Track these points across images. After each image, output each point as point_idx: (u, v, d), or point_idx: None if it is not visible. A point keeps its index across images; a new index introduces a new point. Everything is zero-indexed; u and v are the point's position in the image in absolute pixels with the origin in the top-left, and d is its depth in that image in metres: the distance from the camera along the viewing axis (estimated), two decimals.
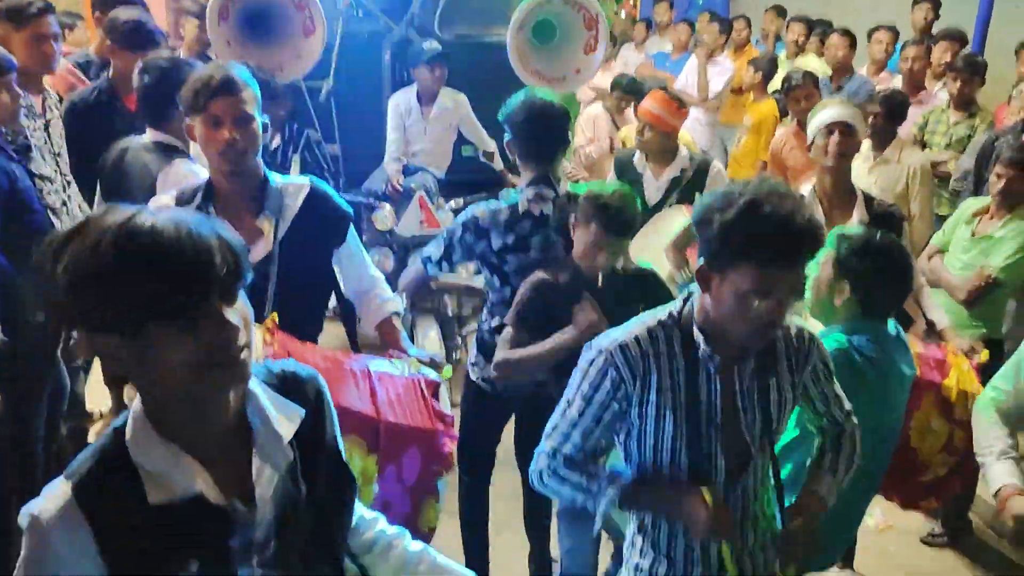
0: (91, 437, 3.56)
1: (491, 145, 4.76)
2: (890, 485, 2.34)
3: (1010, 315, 3.31)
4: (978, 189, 3.78)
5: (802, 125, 4.33)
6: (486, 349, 2.60)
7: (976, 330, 3.02)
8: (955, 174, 4.16)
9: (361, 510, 1.39)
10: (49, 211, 2.86)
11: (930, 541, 3.30)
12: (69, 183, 3.10)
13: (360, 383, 1.99)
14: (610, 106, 5.40)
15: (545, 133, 2.53)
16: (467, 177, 4.80)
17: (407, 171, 4.58)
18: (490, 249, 2.51)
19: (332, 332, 2.45)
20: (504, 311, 2.44)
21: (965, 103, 4.45)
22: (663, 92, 3.48)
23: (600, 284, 2.33)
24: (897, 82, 5.02)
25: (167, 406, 1.05)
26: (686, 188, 3.41)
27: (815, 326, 2.11)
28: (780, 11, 7.15)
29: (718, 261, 1.44)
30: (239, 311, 1.02)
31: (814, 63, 5.81)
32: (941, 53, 5.02)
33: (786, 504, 1.66)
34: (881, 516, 3.36)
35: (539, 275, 2.36)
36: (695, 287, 1.55)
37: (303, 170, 3.98)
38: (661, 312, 1.59)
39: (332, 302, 3.18)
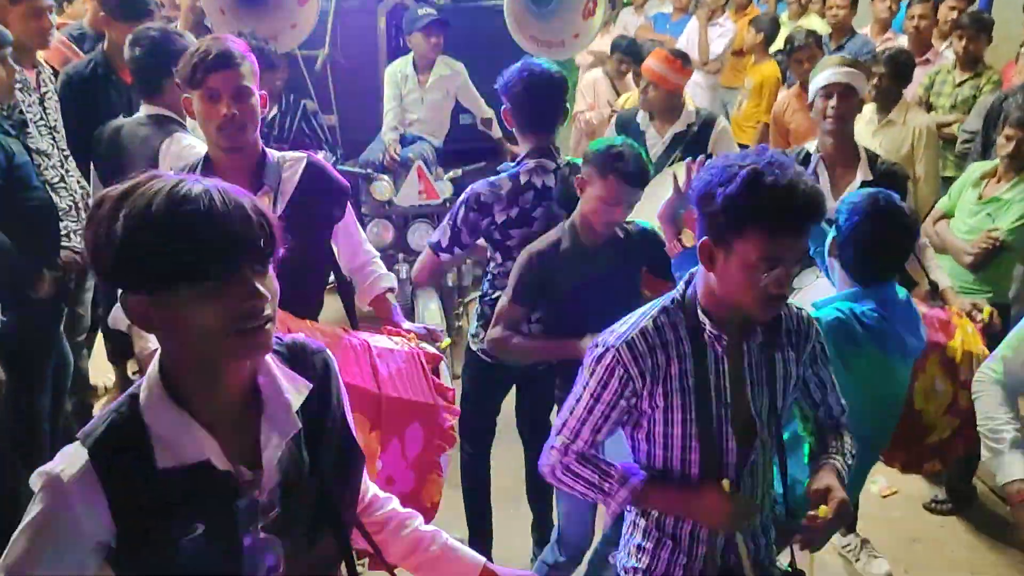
0: (96, 412, 3.57)
1: (489, 113, 4.71)
2: (893, 448, 2.35)
3: (1018, 279, 3.27)
4: (986, 151, 3.73)
5: (805, 87, 4.27)
6: (487, 320, 2.59)
7: (983, 294, 2.99)
8: (961, 136, 4.10)
9: (375, 488, 1.42)
10: (47, 186, 2.85)
11: (934, 507, 3.31)
12: (67, 158, 3.08)
13: (360, 359, 1.98)
14: (610, 70, 5.32)
15: (543, 102, 2.50)
16: (465, 146, 4.75)
17: (404, 141, 4.54)
18: (493, 224, 2.49)
19: (331, 306, 2.43)
20: (506, 283, 2.43)
21: (971, 62, 4.37)
22: (666, 50, 3.42)
23: (600, 250, 2.30)
24: (902, 42, 4.94)
25: (184, 371, 1.09)
26: (690, 143, 3.36)
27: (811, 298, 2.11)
28: None
29: (723, 235, 1.43)
30: (268, 284, 1.06)
31: (817, 23, 5.71)
32: (948, 11, 4.93)
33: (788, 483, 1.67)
34: (885, 482, 3.38)
35: (535, 247, 2.34)
36: (697, 268, 1.54)
37: (299, 141, 3.95)
38: (664, 299, 1.58)
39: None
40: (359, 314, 2.46)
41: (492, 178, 2.53)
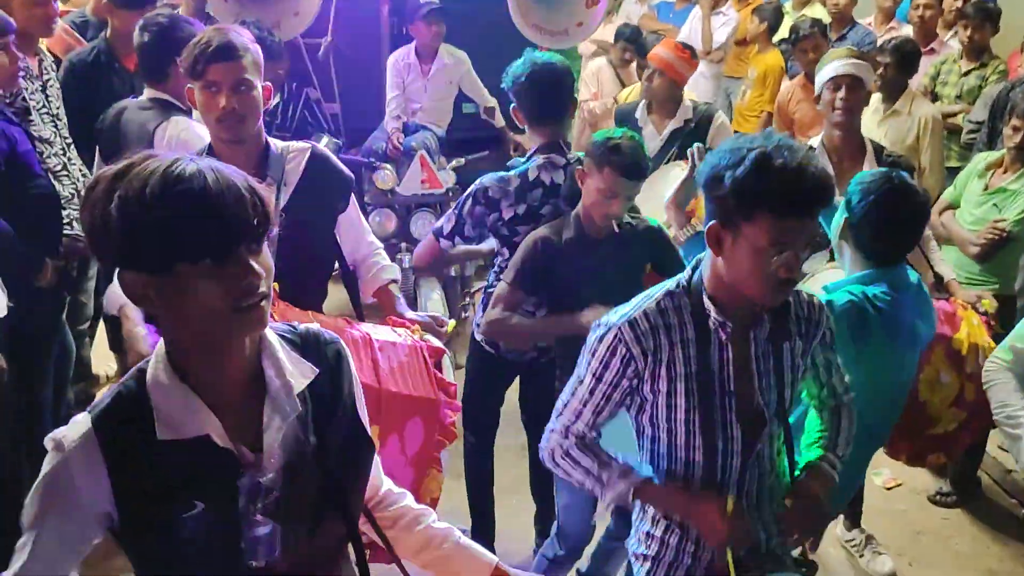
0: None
1: (492, 102, 4.69)
2: (898, 440, 2.35)
3: None
4: (992, 141, 3.72)
5: (810, 77, 4.26)
6: None
7: (989, 285, 2.98)
8: (966, 126, 4.08)
9: (389, 484, 1.42)
10: (50, 174, 2.83)
11: (938, 500, 3.30)
12: (69, 145, 3.07)
13: (361, 352, 1.97)
14: (614, 59, 5.29)
15: (551, 95, 2.48)
16: (468, 135, 4.75)
17: (407, 129, 4.52)
18: (500, 220, 2.48)
19: (336, 295, 2.42)
20: None
21: (977, 51, 4.35)
22: (676, 41, 3.41)
23: (604, 242, 2.29)
24: (906, 31, 4.91)
25: (187, 349, 1.10)
26: (687, 139, 3.36)
27: (821, 282, 2.09)
28: None
29: (731, 219, 1.42)
30: (263, 261, 1.07)
31: (821, 13, 5.67)
32: (952, 1, 4.90)
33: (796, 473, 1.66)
34: (889, 474, 3.38)
35: (540, 233, 2.33)
36: (704, 254, 1.53)
37: (302, 129, 3.93)
38: (669, 283, 1.57)
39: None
40: (364, 305, 2.45)
41: (502, 173, 2.52)
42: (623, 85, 5.13)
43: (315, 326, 1.29)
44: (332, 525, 1.22)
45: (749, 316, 1.53)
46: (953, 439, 2.39)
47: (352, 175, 2.30)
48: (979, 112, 3.94)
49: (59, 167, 2.94)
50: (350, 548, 1.28)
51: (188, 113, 2.73)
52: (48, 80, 3.07)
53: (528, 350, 2.58)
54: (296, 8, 4.11)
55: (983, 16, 4.30)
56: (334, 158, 2.27)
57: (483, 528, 2.86)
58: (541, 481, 2.87)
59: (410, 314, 2.28)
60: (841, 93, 2.75)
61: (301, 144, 2.20)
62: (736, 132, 5.67)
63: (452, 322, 2.33)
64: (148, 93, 2.74)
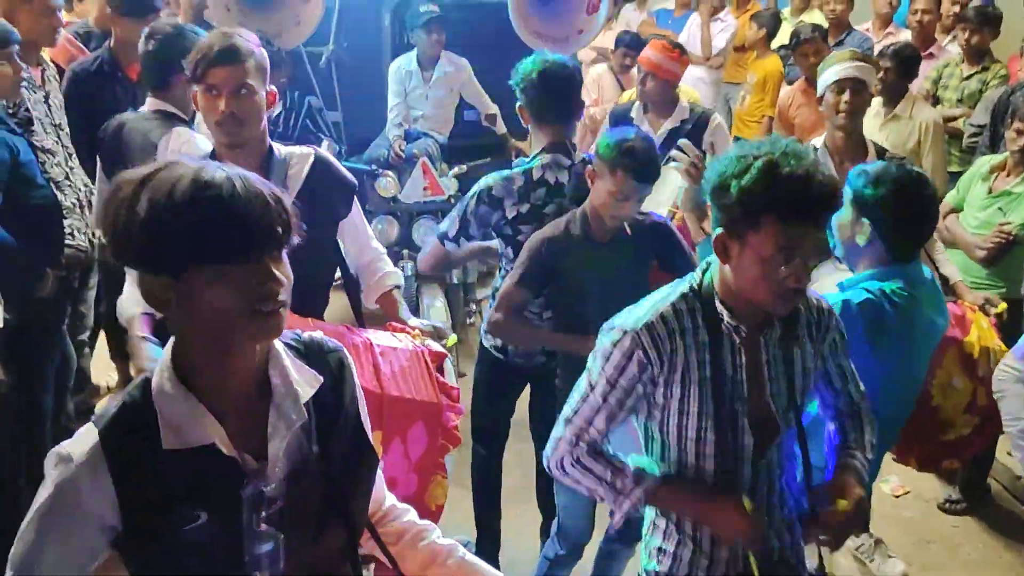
0: (98, 411, 3.56)
1: (493, 108, 4.69)
2: (909, 445, 2.33)
3: None
4: (994, 145, 3.72)
5: (810, 81, 4.27)
6: None
7: (995, 289, 2.97)
8: (968, 130, 4.08)
9: (393, 499, 1.40)
10: (52, 184, 2.82)
11: (948, 507, 3.27)
12: (71, 155, 3.06)
13: (362, 357, 1.95)
14: (614, 65, 5.30)
15: (559, 96, 2.47)
16: (470, 142, 4.74)
17: (409, 137, 4.52)
18: (504, 219, 2.46)
19: (337, 302, 2.41)
20: None
21: (977, 56, 4.35)
22: (663, 41, 3.42)
23: (610, 241, 2.28)
24: (904, 36, 4.92)
25: (197, 355, 1.10)
26: (685, 139, 3.35)
27: (829, 285, 2.07)
28: None
29: (738, 227, 1.40)
30: (283, 270, 1.08)
31: (818, 19, 5.68)
32: (950, 5, 4.91)
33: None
34: (897, 481, 3.36)
35: (545, 232, 2.31)
36: (713, 257, 1.51)
37: (303, 138, 3.93)
38: (682, 285, 1.55)
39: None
40: (366, 313, 2.43)
41: (505, 172, 2.50)
42: (623, 91, 5.13)
43: (318, 334, 1.28)
44: (335, 535, 1.22)
45: (759, 320, 1.51)
46: (966, 444, 2.36)
47: (355, 180, 2.29)
48: (980, 116, 3.94)
49: (61, 177, 2.93)
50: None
51: (190, 124, 2.73)
52: (51, 90, 3.07)
53: (535, 352, 2.56)
54: (298, 17, 4.10)
55: (983, 20, 4.31)
56: (337, 163, 2.25)
57: (489, 539, 2.83)
58: (548, 491, 2.84)
59: (412, 321, 2.27)
60: (845, 96, 2.75)
61: (304, 149, 2.19)
62: (735, 137, 5.72)
63: (453, 336, 2.31)
64: (151, 104, 2.73)
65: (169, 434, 1.08)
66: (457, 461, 2.21)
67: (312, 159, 2.15)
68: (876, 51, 4.38)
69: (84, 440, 1.08)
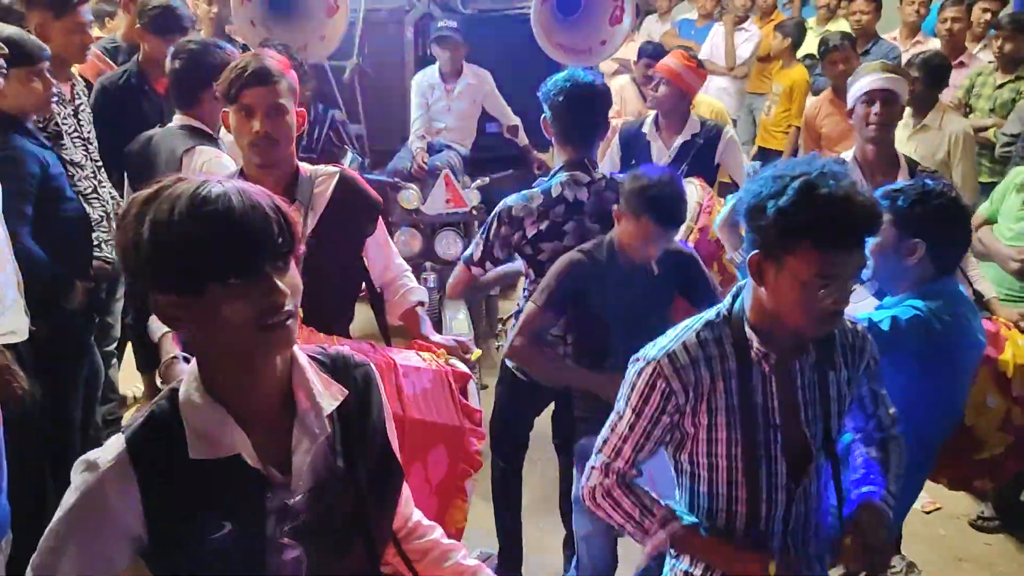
0: (125, 422, 3.58)
1: (515, 121, 4.70)
2: (942, 464, 2.27)
3: None
4: None
5: (837, 90, 4.23)
6: None
7: None
8: (1000, 140, 4.01)
9: (419, 515, 1.40)
10: (80, 197, 2.86)
11: (980, 525, 3.20)
12: (99, 168, 3.10)
13: (386, 378, 1.94)
14: (637, 76, 5.28)
15: (585, 115, 2.46)
16: (492, 154, 4.75)
17: (432, 149, 4.53)
18: (524, 238, 2.45)
19: (362, 314, 2.41)
20: None
21: (1011, 64, 4.28)
22: (684, 51, 3.41)
23: (637, 270, 2.26)
24: (933, 45, 4.86)
25: (219, 369, 1.11)
26: (697, 155, 3.34)
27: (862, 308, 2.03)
28: None
29: (774, 250, 1.37)
30: (289, 280, 1.08)
31: (846, 28, 5.64)
32: (980, 13, 4.85)
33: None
34: (927, 498, 3.29)
35: (572, 256, 2.30)
36: (745, 282, 1.49)
37: (327, 151, 3.95)
38: (709, 313, 1.52)
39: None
40: (390, 326, 2.43)
41: (525, 191, 2.50)
42: (646, 101, 5.11)
43: (345, 349, 1.28)
44: (359, 550, 1.21)
45: (793, 345, 1.47)
46: (1000, 463, 2.31)
47: (380, 198, 2.30)
48: (1013, 125, 3.88)
49: (89, 190, 2.97)
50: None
51: (216, 141, 2.75)
52: (80, 105, 3.11)
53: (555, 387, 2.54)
54: (322, 31, 4.14)
55: (1016, 27, 4.24)
56: (362, 181, 2.27)
57: (511, 552, 2.81)
58: (571, 506, 2.82)
59: (436, 337, 2.26)
60: (875, 108, 2.71)
61: (330, 168, 2.20)
62: (760, 147, 5.68)
63: (478, 351, 2.30)
64: (178, 120, 2.76)
65: (195, 444, 1.08)
66: (479, 475, 2.19)
67: (338, 177, 2.16)
68: (904, 60, 4.33)
69: (111, 448, 1.09)
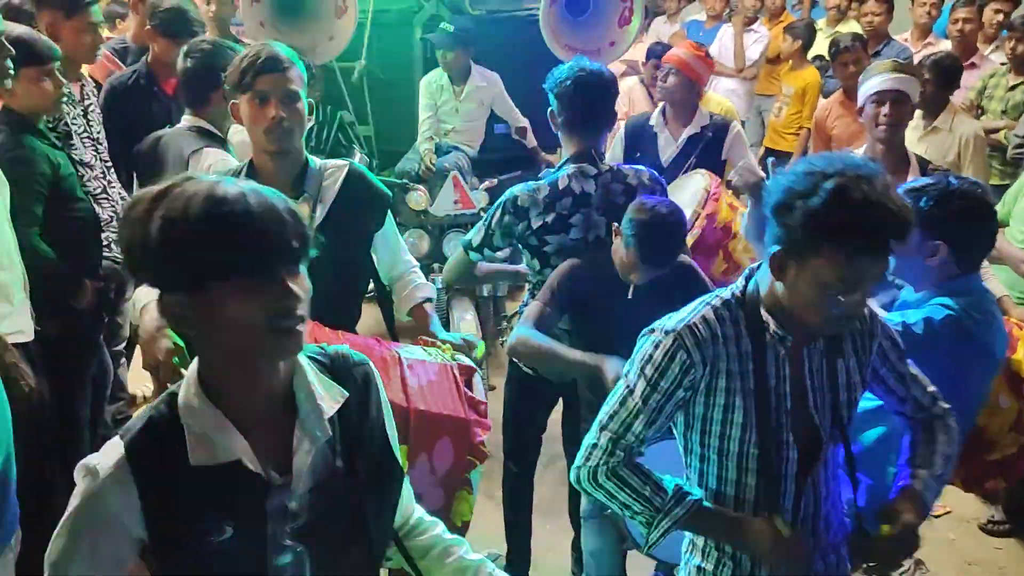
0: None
1: (523, 122, 4.70)
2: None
3: None
4: None
5: (847, 91, 4.21)
6: None
7: None
8: (1013, 141, 3.98)
9: (421, 512, 1.39)
10: (90, 197, 2.87)
11: (991, 528, 3.17)
12: (108, 168, 3.12)
13: (390, 370, 1.94)
14: (645, 77, 5.27)
15: (593, 105, 2.43)
16: (500, 155, 4.75)
17: (440, 150, 4.54)
18: (529, 229, 2.44)
19: (369, 314, 2.41)
20: None
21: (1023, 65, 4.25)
22: (692, 41, 3.41)
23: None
24: (944, 46, 4.83)
25: (221, 371, 1.10)
26: (705, 149, 3.33)
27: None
28: None
29: (799, 248, 1.34)
30: (301, 284, 1.08)
31: (856, 29, 5.62)
32: (992, 14, 4.82)
33: (857, 494, 1.58)
34: (937, 501, 3.26)
35: (576, 261, 2.29)
36: (757, 266, 1.47)
37: (335, 152, 3.96)
38: (723, 292, 1.50)
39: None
40: (398, 324, 2.43)
41: (532, 182, 2.49)
42: (655, 103, 5.10)
43: (344, 347, 1.28)
44: (360, 549, 1.21)
45: (802, 332, 1.46)
46: (1011, 464, 2.29)
47: (389, 192, 2.29)
48: None
49: (99, 190, 2.98)
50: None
51: (224, 143, 2.76)
52: (89, 105, 3.12)
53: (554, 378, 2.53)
54: (331, 32, 4.15)
55: None
56: (371, 175, 2.26)
57: (519, 554, 2.80)
58: (579, 506, 2.81)
59: (442, 334, 2.26)
60: (885, 108, 2.69)
61: (339, 161, 2.20)
62: (768, 148, 5.66)
63: (481, 344, 2.30)
64: (188, 120, 2.77)
65: (196, 451, 1.08)
66: (488, 474, 2.19)
67: (347, 170, 2.16)
68: (915, 62, 4.30)
69: (111, 454, 1.09)
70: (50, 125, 2.79)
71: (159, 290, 1.07)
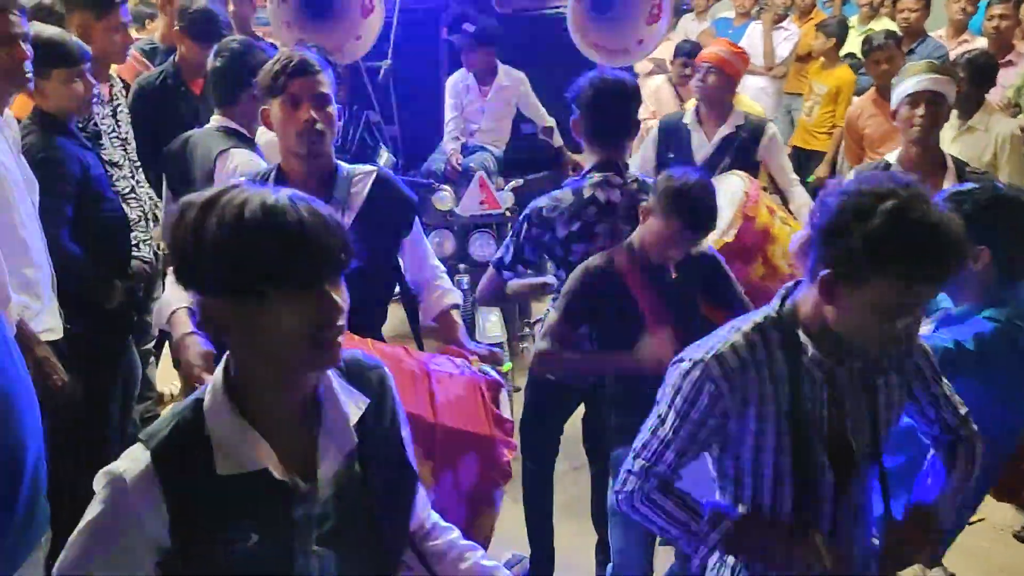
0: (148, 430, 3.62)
1: (550, 121, 4.68)
2: None
3: None
4: None
5: (880, 90, 4.13)
6: None
7: None
8: None
9: (436, 517, 1.39)
10: (119, 197, 2.90)
11: None
12: (137, 168, 3.14)
13: (418, 385, 1.93)
14: (673, 76, 5.22)
15: (615, 114, 2.41)
16: (526, 155, 4.73)
17: (466, 150, 4.53)
18: (555, 239, 2.42)
19: (394, 317, 2.40)
20: None
21: None
22: (725, 39, 3.37)
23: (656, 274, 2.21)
24: (980, 43, 4.73)
25: (250, 379, 1.11)
26: (739, 150, 3.29)
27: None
28: None
29: (852, 274, 1.29)
30: (341, 295, 1.09)
31: (889, 26, 5.51)
32: None
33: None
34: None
35: (592, 262, 2.25)
36: (796, 284, 1.44)
37: (361, 151, 3.97)
38: (756, 315, 1.47)
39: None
40: (424, 332, 2.42)
41: (555, 192, 2.47)
42: (682, 103, 5.05)
43: (357, 351, 1.28)
44: (377, 554, 1.21)
45: (841, 352, 1.42)
46: None
47: (416, 198, 2.29)
48: None
49: (127, 190, 3.01)
50: None
51: (252, 143, 2.77)
52: (118, 105, 3.15)
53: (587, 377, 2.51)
54: (357, 32, 4.16)
55: None
56: (399, 181, 2.26)
57: (543, 556, 2.79)
58: (603, 509, 2.79)
59: (470, 345, 2.25)
60: (920, 110, 2.63)
61: (367, 167, 2.20)
62: (795, 147, 5.58)
63: (508, 364, 2.28)
64: (216, 120, 2.78)
65: (222, 459, 1.08)
66: (501, 496, 2.17)
67: (374, 177, 2.16)
68: (950, 59, 4.22)
69: (136, 461, 1.08)
70: (80, 125, 2.82)
71: (202, 295, 1.07)
